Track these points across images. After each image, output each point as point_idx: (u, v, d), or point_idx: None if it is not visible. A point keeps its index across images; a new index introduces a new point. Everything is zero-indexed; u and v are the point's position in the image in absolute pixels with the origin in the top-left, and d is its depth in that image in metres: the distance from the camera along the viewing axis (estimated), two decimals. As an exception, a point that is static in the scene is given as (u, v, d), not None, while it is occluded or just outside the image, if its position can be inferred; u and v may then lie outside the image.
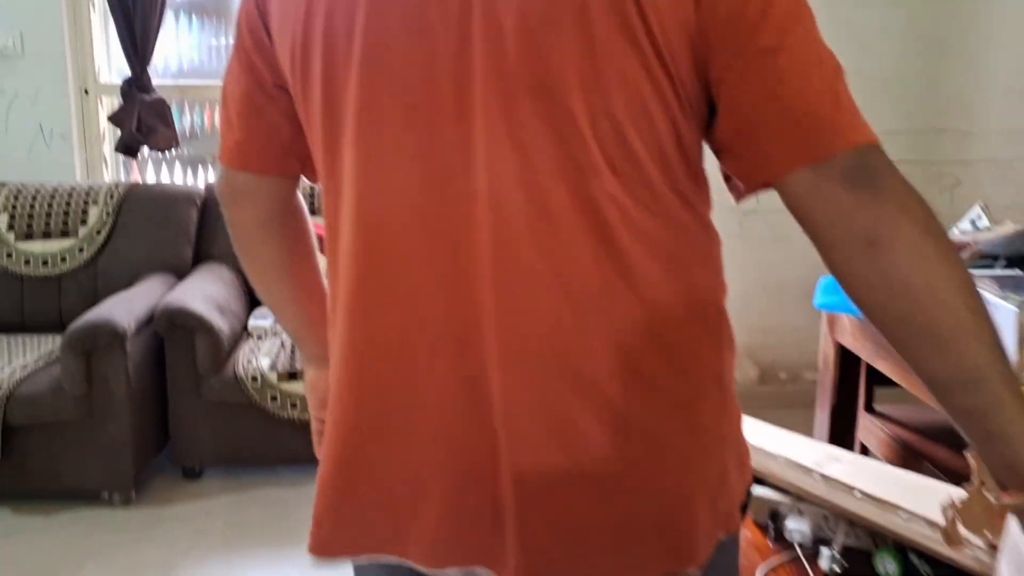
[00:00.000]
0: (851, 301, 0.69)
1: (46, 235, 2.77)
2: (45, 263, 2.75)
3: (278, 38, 0.78)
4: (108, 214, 2.80)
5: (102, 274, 2.77)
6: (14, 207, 2.79)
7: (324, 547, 0.80)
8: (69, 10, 2.97)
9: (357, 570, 0.86)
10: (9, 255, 2.75)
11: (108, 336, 2.30)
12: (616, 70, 0.66)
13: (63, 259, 2.76)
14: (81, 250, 2.77)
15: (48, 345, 2.55)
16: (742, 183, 0.73)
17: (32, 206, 2.79)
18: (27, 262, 2.75)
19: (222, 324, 2.49)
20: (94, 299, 2.66)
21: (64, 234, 2.78)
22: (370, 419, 0.77)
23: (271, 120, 0.84)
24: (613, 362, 0.70)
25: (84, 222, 2.79)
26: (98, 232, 2.79)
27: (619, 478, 0.71)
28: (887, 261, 0.65)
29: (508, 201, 0.68)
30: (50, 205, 2.80)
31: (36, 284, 2.76)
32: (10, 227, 2.77)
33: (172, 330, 2.43)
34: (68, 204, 2.81)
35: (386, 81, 0.70)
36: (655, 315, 0.71)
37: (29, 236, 2.77)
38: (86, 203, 2.81)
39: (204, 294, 2.55)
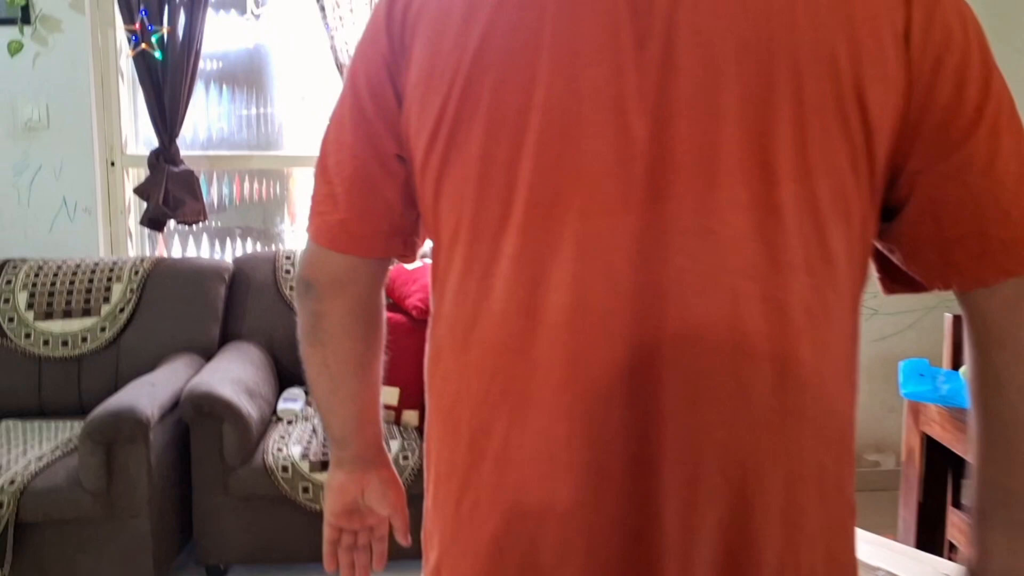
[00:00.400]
0: (989, 397, 0.65)
1: (67, 314, 2.64)
2: (65, 343, 2.62)
3: (418, 103, 0.69)
4: (132, 291, 2.67)
5: (125, 355, 2.63)
6: (34, 285, 2.66)
7: None
8: (97, 81, 2.90)
9: None
10: (27, 335, 2.61)
11: (130, 426, 2.14)
12: (826, 160, 0.61)
13: (84, 339, 2.62)
14: (103, 329, 2.63)
15: (66, 432, 2.39)
16: (925, 280, 0.68)
17: (53, 284, 2.67)
18: (46, 343, 2.61)
19: (251, 410, 2.33)
20: (116, 381, 2.51)
21: (86, 313, 2.64)
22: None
23: (385, 196, 0.75)
24: (781, 488, 0.63)
25: (107, 300, 2.66)
26: (121, 310, 2.65)
27: None
28: None
29: (692, 302, 0.62)
30: (72, 282, 2.68)
31: (55, 366, 2.61)
32: (29, 306, 2.63)
33: (198, 418, 2.27)
34: (91, 281, 2.68)
35: (568, 162, 0.63)
36: (827, 436, 0.65)
37: (49, 315, 2.63)
38: (109, 279, 2.69)
39: (232, 377, 2.40)
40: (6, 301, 2.64)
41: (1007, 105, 0.63)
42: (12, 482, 2.13)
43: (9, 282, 2.67)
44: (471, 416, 0.68)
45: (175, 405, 2.30)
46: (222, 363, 2.51)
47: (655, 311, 0.62)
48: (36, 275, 2.68)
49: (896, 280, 0.71)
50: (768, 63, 0.60)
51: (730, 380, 0.62)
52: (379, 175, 0.74)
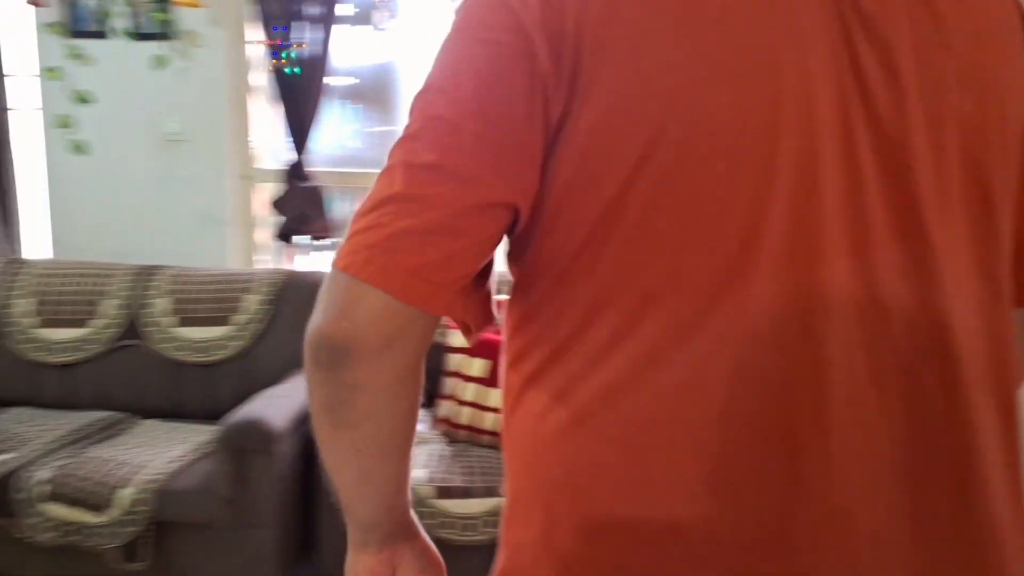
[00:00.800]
0: None
1: (204, 322, 2.73)
2: (202, 350, 2.71)
3: (603, 139, 0.58)
4: (265, 303, 2.75)
5: (257, 365, 2.70)
6: (174, 292, 2.77)
7: None
8: (232, 95, 3.00)
9: None
10: (168, 340, 2.72)
11: (259, 438, 2.19)
12: (1008, 190, 0.62)
13: (219, 347, 2.71)
14: (236, 339, 2.72)
15: (201, 436, 2.47)
16: None
17: (191, 292, 2.77)
18: (185, 348, 2.71)
19: (375, 426, 2.35)
20: (248, 390, 2.57)
21: (220, 321, 2.73)
22: None
23: (474, 241, 0.60)
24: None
25: (240, 310, 2.74)
26: (255, 321, 2.73)
27: None
28: None
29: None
30: (208, 291, 2.78)
31: (192, 371, 2.71)
32: (172, 312, 2.75)
33: (325, 431, 2.31)
34: (225, 291, 2.77)
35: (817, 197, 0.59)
36: None
37: (188, 322, 2.74)
38: (243, 291, 2.77)
39: (357, 392, 2.42)
40: (145, 306, 2.75)
41: None
42: (153, 480, 2.21)
43: (151, 288, 2.78)
44: None
45: (304, 418, 2.34)
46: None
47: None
48: (176, 283, 2.79)
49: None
50: (982, 92, 0.60)
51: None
52: (477, 217, 0.59)
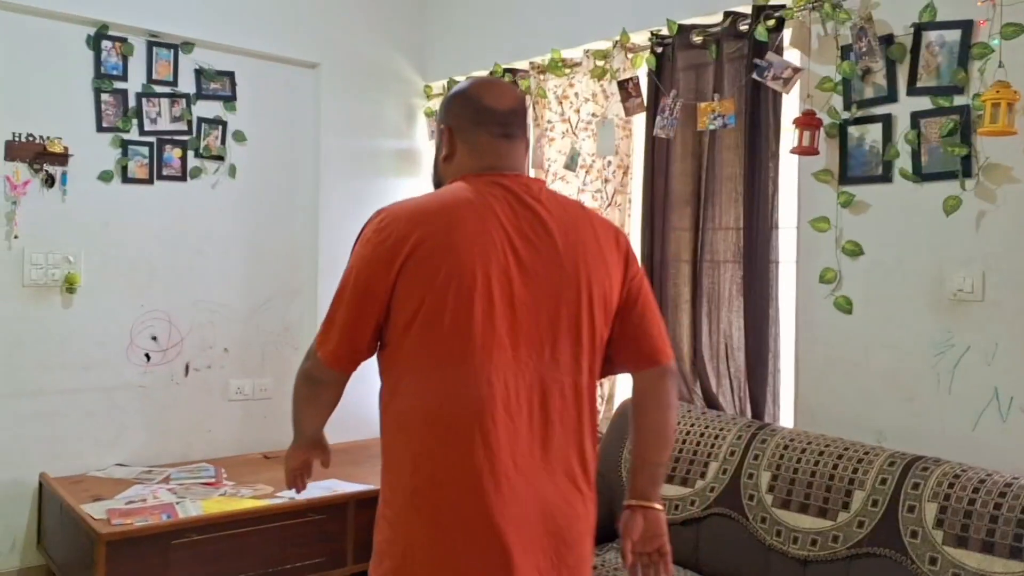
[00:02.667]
0: (638, 418, 1.64)
1: (977, 547, 1.96)
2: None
3: (416, 288, 1.44)
4: None
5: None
6: (946, 497, 2.07)
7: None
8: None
9: None
10: (934, 561, 2.02)
11: None
12: (596, 328, 1.54)
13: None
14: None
15: None
16: (621, 369, 1.67)
17: (967, 500, 2.04)
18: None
19: None
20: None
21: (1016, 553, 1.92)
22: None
23: (365, 335, 1.49)
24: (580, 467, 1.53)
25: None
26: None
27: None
28: None
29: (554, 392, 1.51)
30: (990, 504, 2.00)
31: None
32: (938, 523, 2.05)
33: None
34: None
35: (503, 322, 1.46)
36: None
37: (959, 543, 2.00)
38: None
39: None
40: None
41: (647, 286, 1.63)
42: None
43: (916, 486, 2.14)
44: None
45: None
46: None
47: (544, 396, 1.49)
48: (950, 484, 2.09)
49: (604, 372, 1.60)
50: (588, 279, 1.51)
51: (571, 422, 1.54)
52: (364, 325, 1.48)
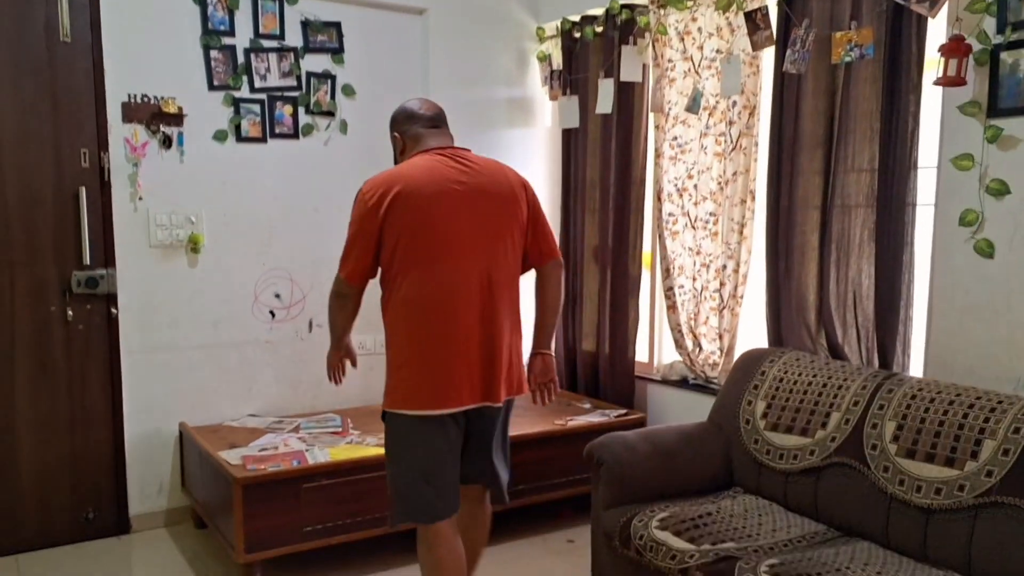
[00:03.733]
0: (539, 298, 2.51)
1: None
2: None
3: (395, 223, 2.23)
4: None
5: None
6: None
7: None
8: None
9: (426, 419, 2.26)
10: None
11: None
12: (515, 235, 2.38)
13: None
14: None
15: None
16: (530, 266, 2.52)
17: None
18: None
19: None
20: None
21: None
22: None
23: (369, 258, 2.29)
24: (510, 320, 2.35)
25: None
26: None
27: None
28: None
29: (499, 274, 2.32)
30: None
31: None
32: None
33: None
34: None
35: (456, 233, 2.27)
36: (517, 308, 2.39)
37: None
38: None
39: None
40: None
41: (541, 210, 2.46)
42: None
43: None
44: None
45: None
46: None
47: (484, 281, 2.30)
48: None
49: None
50: (504, 206, 2.34)
51: (506, 296, 2.36)
52: (373, 248, 2.28)
